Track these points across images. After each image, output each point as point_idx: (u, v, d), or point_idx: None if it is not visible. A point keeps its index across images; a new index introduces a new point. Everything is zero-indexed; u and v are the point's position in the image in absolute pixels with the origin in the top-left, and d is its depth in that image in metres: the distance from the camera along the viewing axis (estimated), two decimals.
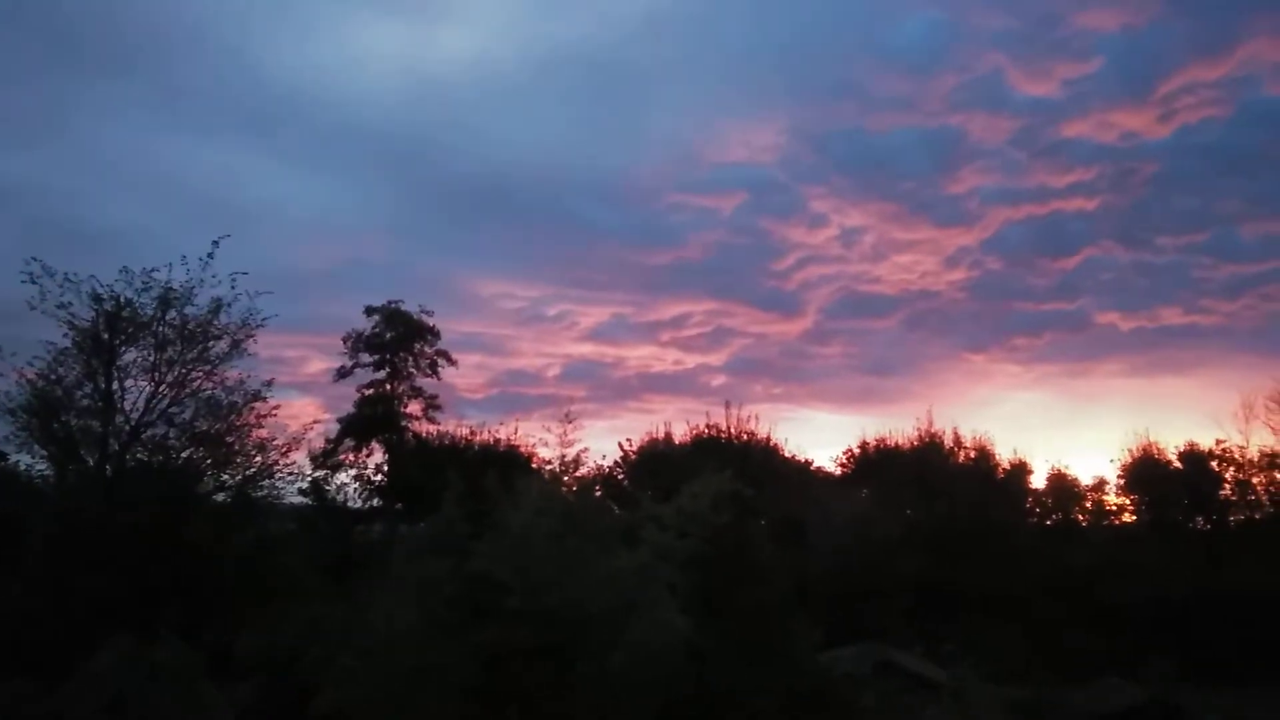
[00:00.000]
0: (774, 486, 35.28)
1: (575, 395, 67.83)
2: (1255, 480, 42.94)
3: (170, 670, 15.38)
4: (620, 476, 38.15)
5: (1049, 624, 35.27)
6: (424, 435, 32.88)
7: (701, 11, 71.27)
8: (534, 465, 27.77)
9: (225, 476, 24.41)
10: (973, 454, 44.87)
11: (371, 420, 31.64)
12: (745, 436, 40.30)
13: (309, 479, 29.61)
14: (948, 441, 45.12)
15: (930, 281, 68.57)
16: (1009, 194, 64.54)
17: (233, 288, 22.93)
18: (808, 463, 43.70)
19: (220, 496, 24.67)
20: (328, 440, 30.86)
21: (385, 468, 31.66)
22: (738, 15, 71.66)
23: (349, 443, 31.41)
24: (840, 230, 69.42)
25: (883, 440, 45.54)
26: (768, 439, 41.08)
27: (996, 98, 61.27)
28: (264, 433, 24.58)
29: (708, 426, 40.00)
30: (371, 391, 32.00)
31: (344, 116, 70.64)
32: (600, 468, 36.20)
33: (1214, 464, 43.45)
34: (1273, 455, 42.53)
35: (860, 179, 69.22)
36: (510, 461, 29.87)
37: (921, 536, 38.87)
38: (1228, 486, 43.36)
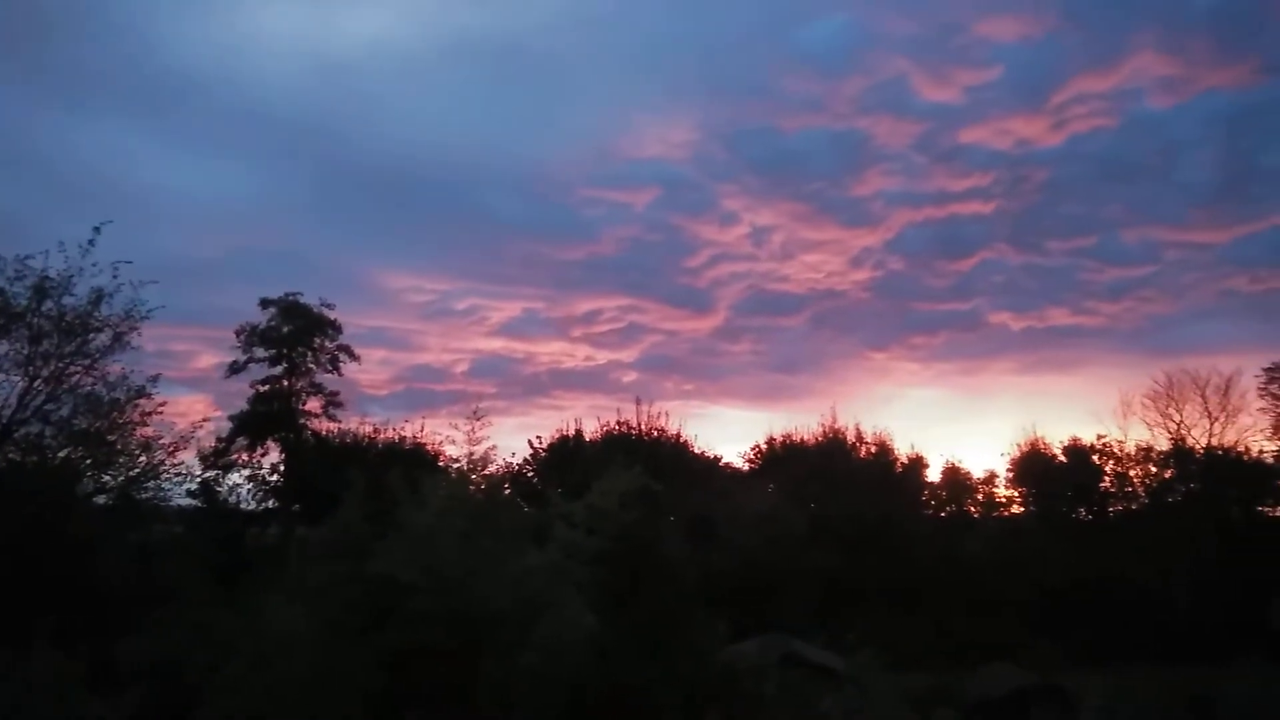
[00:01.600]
0: (683, 483, 35.57)
1: (484, 392, 66.87)
2: (1132, 473, 45.97)
3: (46, 683, 14.38)
4: (530, 474, 37.81)
5: (944, 613, 36.85)
6: (324, 433, 31.86)
7: (615, 3, 71.22)
8: (441, 463, 27.15)
9: (107, 477, 22.96)
10: (873, 449, 46.43)
11: (267, 418, 30.42)
12: (655, 433, 40.55)
13: (198, 480, 28.22)
14: (850, 437, 46.56)
15: (836, 281, 70.50)
16: (910, 197, 67.06)
17: (115, 277, 21.42)
18: (716, 459, 44.30)
19: (101, 499, 23.22)
20: (219, 439, 29.54)
21: (281, 468, 30.49)
22: (652, 9, 71.96)
23: (242, 441, 30.13)
24: (751, 229, 70.62)
25: (789, 436, 46.63)
26: (678, 436, 41.48)
27: (901, 102, 63.50)
28: (149, 431, 23.20)
29: (618, 423, 40.10)
30: (267, 388, 30.78)
31: (239, 97, 67.02)
32: (510, 465, 35.76)
33: (1095, 458, 46.31)
34: (1148, 449, 45.61)
35: (771, 178, 70.64)
36: (416, 460, 29.17)
37: (825, 530, 39.96)
38: (1107, 479, 46.28)
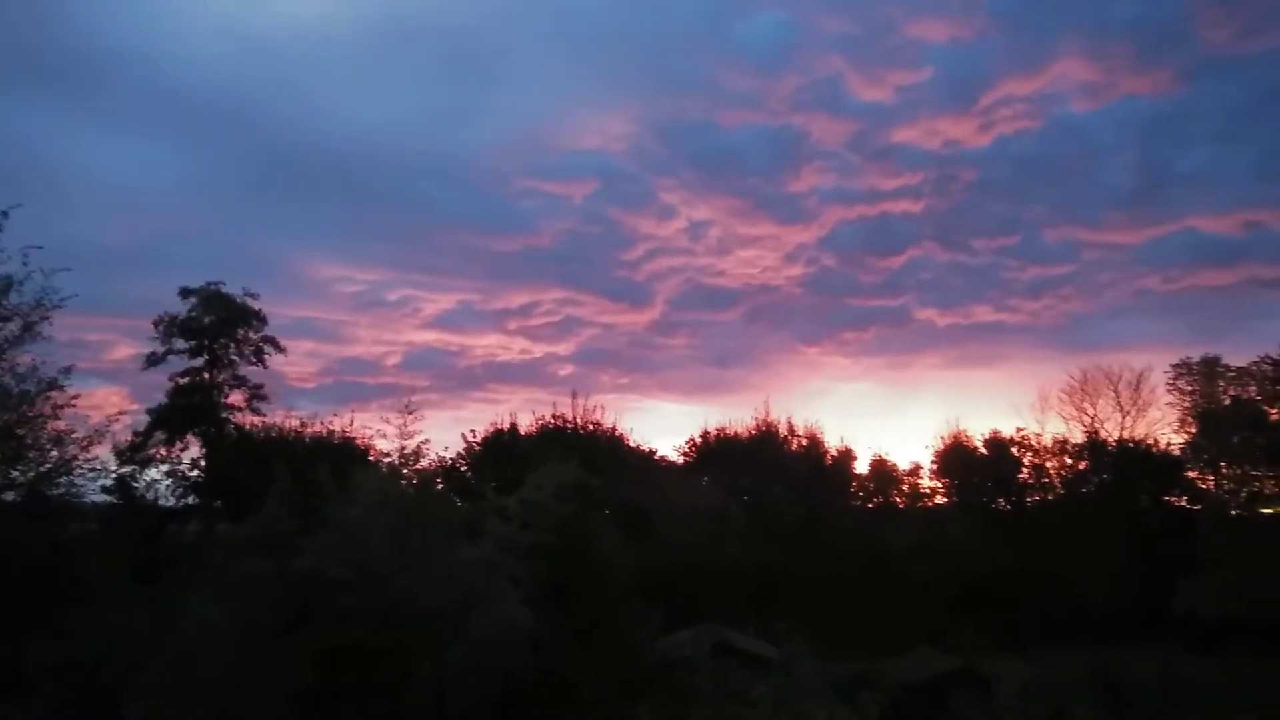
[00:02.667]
0: (619, 476, 35.68)
1: (417, 385, 65.79)
2: (1049, 465, 47.96)
3: None
4: (464, 468, 37.43)
5: (871, 601, 37.87)
6: (247, 427, 30.93)
7: None
8: (371, 458, 26.67)
9: (16, 473, 21.82)
10: (805, 442, 47.33)
11: (187, 411, 29.39)
12: (591, 427, 40.60)
13: (114, 476, 27.14)
14: (782, 431, 47.36)
15: (770, 276, 71.53)
16: (843, 194, 68.50)
17: (25, 263, 20.36)
18: (652, 452, 44.58)
19: (10, 495, 22.12)
20: (136, 433, 28.42)
21: (202, 463, 29.52)
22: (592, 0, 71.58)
23: (160, 436, 29.04)
24: (688, 223, 71.04)
25: (723, 430, 47.18)
26: (614, 429, 41.60)
27: (836, 101, 64.72)
28: (62, 425, 22.07)
29: (554, 417, 40.02)
30: (187, 380, 29.72)
31: (160, 76, 64.10)
32: (443, 459, 35.25)
33: (1014, 450, 48.17)
34: (1064, 442, 47.64)
35: (708, 173, 71.24)
36: (345, 454, 28.59)
37: (758, 522, 40.61)
38: (1026, 471, 48.20)
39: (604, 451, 38.12)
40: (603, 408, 41.73)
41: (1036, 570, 39.72)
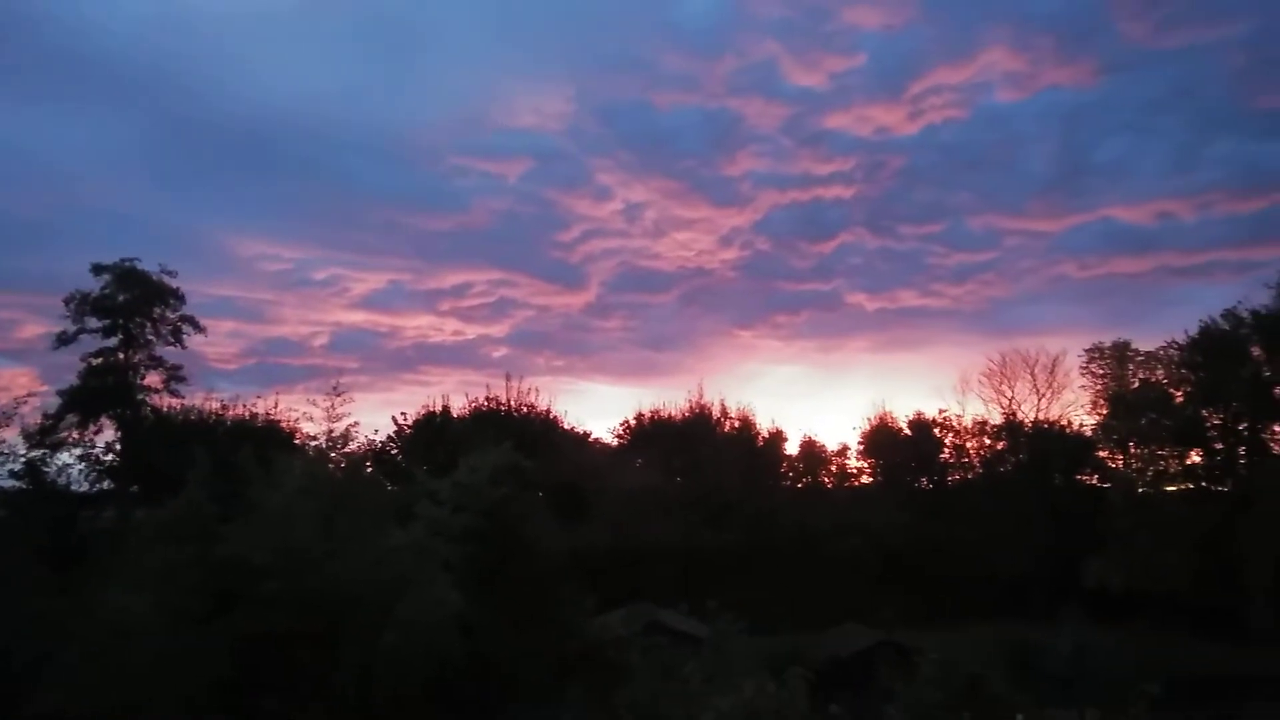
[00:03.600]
0: (553, 459, 35.63)
1: (345, 366, 64.54)
2: (969, 445, 49.77)
3: None
4: (394, 451, 36.86)
5: (801, 577, 38.81)
6: (165, 410, 29.88)
7: None
8: (297, 442, 26.06)
9: None
10: (737, 424, 48.04)
11: (100, 393, 28.23)
12: (526, 409, 40.36)
13: (23, 460, 25.88)
14: (715, 413, 47.94)
15: (705, 260, 72.03)
16: (778, 179, 69.24)
17: None
18: (586, 435, 44.63)
19: None
20: (46, 416, 27.21)
21: (118, 447, 28.40)
22: None
23: (73, 419, 27.86)
24: (624, 205, 70.84)
25: (657, 412, 47.52)
26: (548, 411, 41.45)
27: (771, 85, 65.19)
28: None
29: (488, 399, 39.67)
30: (100, 361, 28.54)
31: (71, 40, 60.58)
32: (372, 443, 34.77)
33: (937, 431, 49.82)
34: (983, 423, 49.49)
35: (645, 154, 70.93)
36: (269, 438, 27.82)
37: (691, 503, 41.14)
38: (947, 451, 49.93)
39: (538, 434, 37.99)
40: (537, 390, 41.58)
41: (957, 546, 41.27)
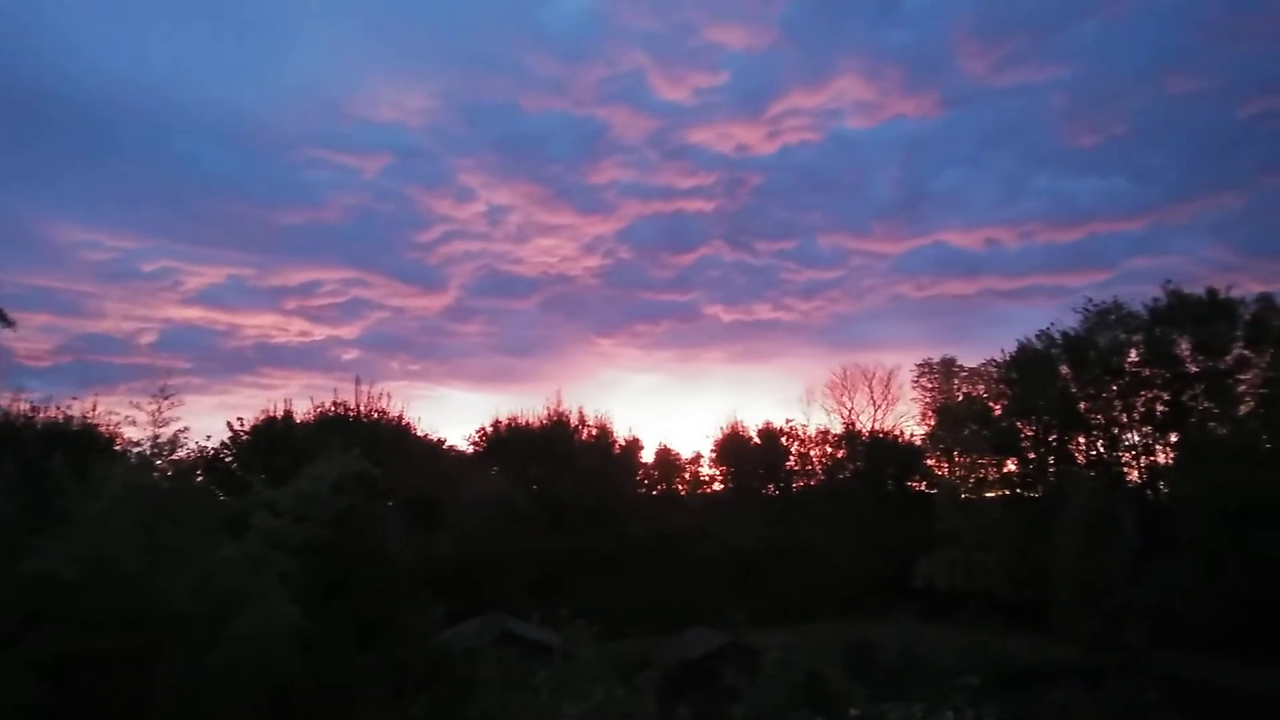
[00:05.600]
0: (405, 466, 34.54)
1: (176, 366, 59.61)
2: (813, 453, 52.39)
3: None
4: (229, 459, 34.58)
5: (654, 583, 39.47)
6: None
7: None
8: (118, 448, 23.98)
9: None
10: (594, 432, 48.32)
11: None
12: (376, 415, 38.90)
13: None
14: (573, 420, 48.03)
15: (568, 266, 71.68)
16: (641, 190, 69.74)
17: None
18: (441, 441, 43.56)
19: None
20: None
21: None
22: None
23: None
24: (488, 207, 69.24)
25: (514, 419, 47.06)
26: (400, 417, 40.13)
27: (638, 96, 65.66)
28: None
29: (334, 404, 37.94)
30: None
31: None
32: (204, 449, 32.44)
33: (783, 439, 52.11)
34: (826, 433, 52.22)
35: (510, 157, 69.57)
36: (86, 443, 25.47)
37: (547, 511, 40.97)
38: (793, 459, 52.30)
39: (389, 441, 36.73)
40: (389, 395, 40.13)
41: (800, 550, 43.27)
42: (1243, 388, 37.40)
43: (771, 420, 52.70)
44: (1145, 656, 25.88)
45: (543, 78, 65.81)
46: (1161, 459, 41.02)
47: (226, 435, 34.93)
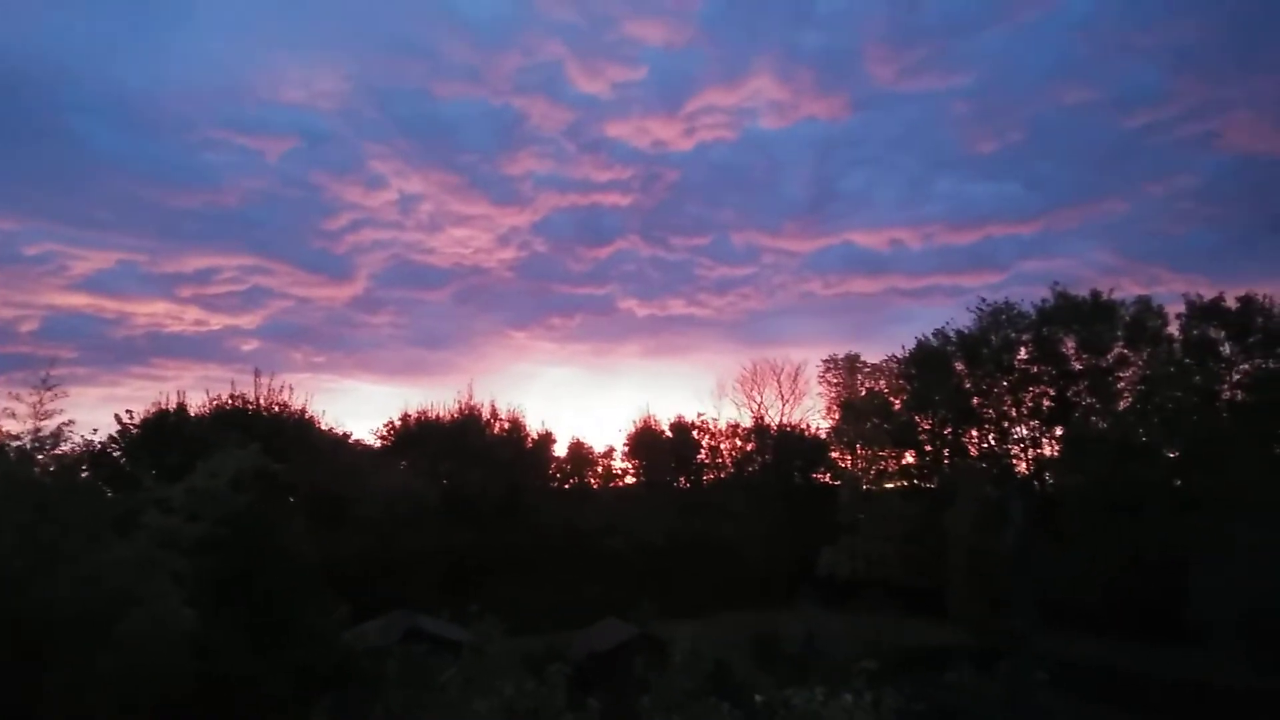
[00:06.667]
0: (309, 461, 33.51)
1: (61, 356, 55.83)
2: (723, 446, 53.28)
3: None
4: (118, 454, 32.83)
5: (566, 577, 39.45)
6: None
7: None
8: None
9: None
10: (506, 426, 47.89)
11: None
12: (278, 408, 37.58)
13: None
14: (485, 414, 47.47)
15: (482, 258, 70.69)
16: (558, 182, 69.30)
17: None
18: (346, 436, 42.40)
19: None
20: None
21: None
22: None
23: None
24: (399, 195, 67.42)
25: (424, 413, 46.21)
26: (303, 411, 38.87)
27: (556, 88, 65.10)
28: None
29: (232, 397, 36.50)
30: None
31: None
32: (90, 444, 30.62)
33: (695, 433, 52.83)
34: (736, 427, 53.20)
35: (424, 145, 67.86)
36: None
37: (457, 506, 40.40)
38: (704, 452, 53.08)
39: (291, 435, 35.54)
40: (291, 387, 38.83)
41: (710, 542, 44.02)
42: (1122, 384, 39.89)
43: (683, 414, 53.47)
44: (1032, 639, 27.34)
45: (459, 64, 64.69)
46: (1048, 451, 43.40)
47: (115, 429, 33.22)
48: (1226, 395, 36.11)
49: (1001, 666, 22.05)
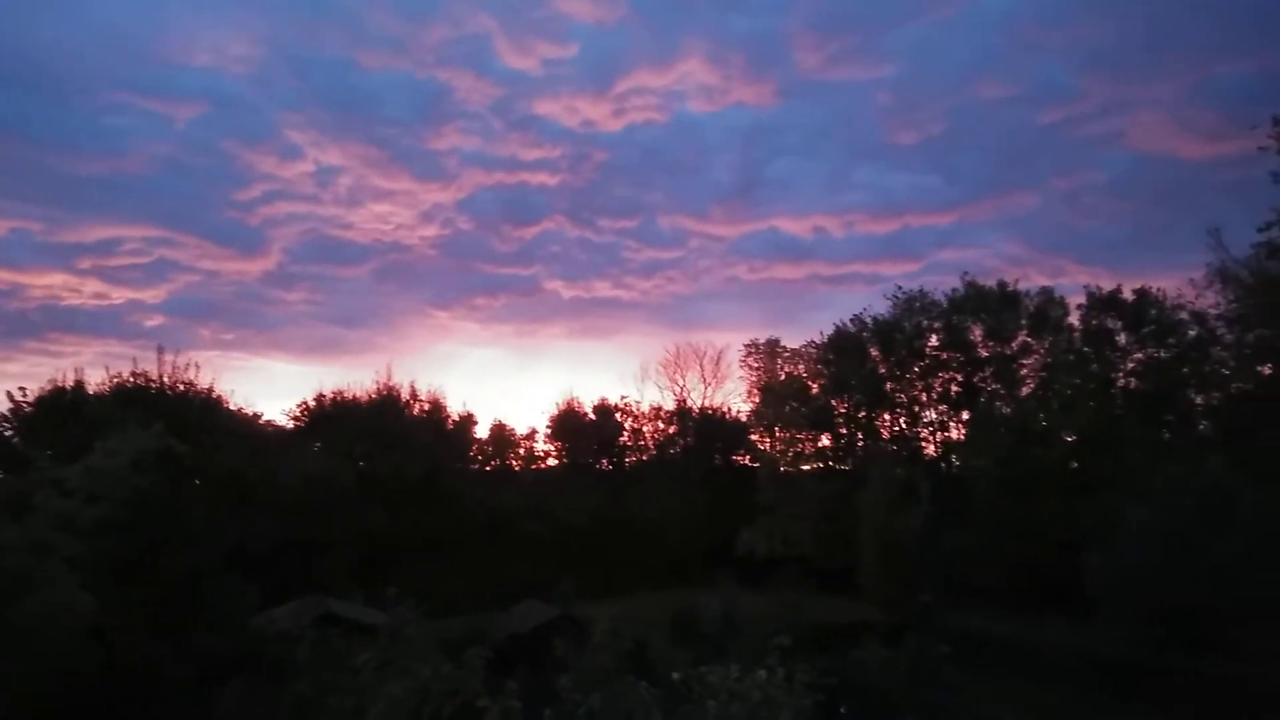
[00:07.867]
0: (217, 442, 32.32)
1: None
2: (646, 429, 53.61)
3: None
4: (9, 433, 31.03)
5: (487, 559, 39.18)
6: None
7: None
8: None
9: None
10: (426, 407, 47.05)
11: None
12: (183, 387, 35.99)
13: None
14: (405, 394, 46.53)
15: (404, 235, 68.80)
16: (485, 159, 67.86)
17: None
18: (257, 416, 40.95)
19: None
20: None
21: None
22: None
23: None
24: (316, 167, 64.85)
25: (340, 393, 44.98)
26: (211, 390, 37.31)
27: (483, 62, 63.57)
28: None
29: (134, 375, 34.73)
30: None
31: None
32: None
33: (618, 415, 53.00)
34: (659, 409, 53.58)
35: (343, 116, 65.33)
36: None
37: (374, 488, 39.58)
38: (627, 434, 53.32)
39: (197, 415, 34.12)
40: (198, 365, 37.17)
41: (631, 523, 44.35)
42: (1025, 371, 41.76)
43: (607, 397, 53.51)
44: (937, 614, 28.60)
45: (382, 34, 62.66)
46: (955, 435, 45.18)
47: (7, 407, 31.35)
48: (1121, 383, 38.18)
49: (907, 641, 23.03)
